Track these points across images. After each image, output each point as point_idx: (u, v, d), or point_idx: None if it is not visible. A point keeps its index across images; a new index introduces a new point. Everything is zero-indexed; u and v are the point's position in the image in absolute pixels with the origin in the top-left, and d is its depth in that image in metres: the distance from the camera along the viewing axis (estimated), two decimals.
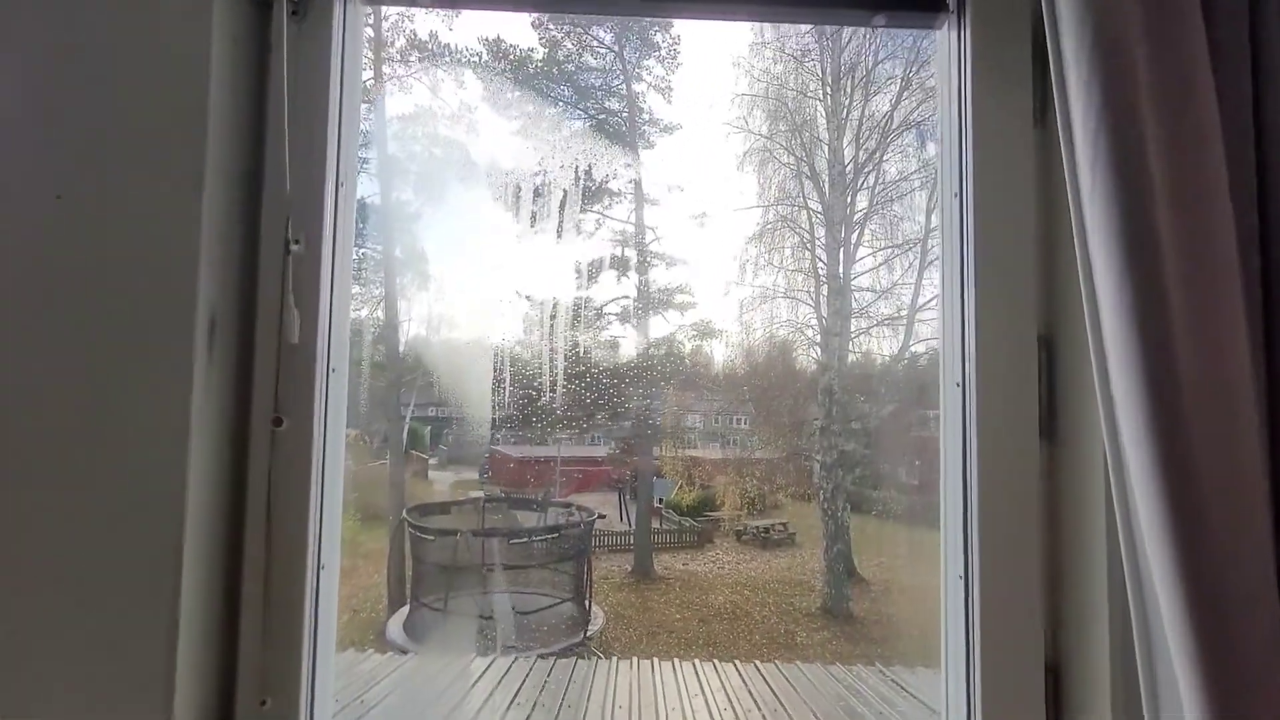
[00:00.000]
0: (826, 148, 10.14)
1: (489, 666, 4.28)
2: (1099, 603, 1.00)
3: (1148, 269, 0.79)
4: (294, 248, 1.07)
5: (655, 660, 4.32)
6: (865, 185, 10.52)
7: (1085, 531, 1.03)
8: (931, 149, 10.40)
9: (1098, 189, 0.83)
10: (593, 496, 13.23)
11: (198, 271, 0.99)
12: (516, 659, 4.42)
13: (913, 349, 10.49)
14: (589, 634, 7.69)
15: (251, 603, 1.04)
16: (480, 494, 11.56)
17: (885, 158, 10.43)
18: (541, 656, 4.89)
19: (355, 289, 9.58)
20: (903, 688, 4.18)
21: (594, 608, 8.17)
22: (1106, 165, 0.82)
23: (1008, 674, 1.07)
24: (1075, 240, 0.88)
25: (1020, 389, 1.10)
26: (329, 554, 1.12)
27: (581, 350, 11.48)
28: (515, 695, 3.79)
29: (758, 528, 12.60)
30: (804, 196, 10.56)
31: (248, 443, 1.06)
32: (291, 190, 1.08)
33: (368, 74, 9.85)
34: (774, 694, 3.94)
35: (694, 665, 4.32)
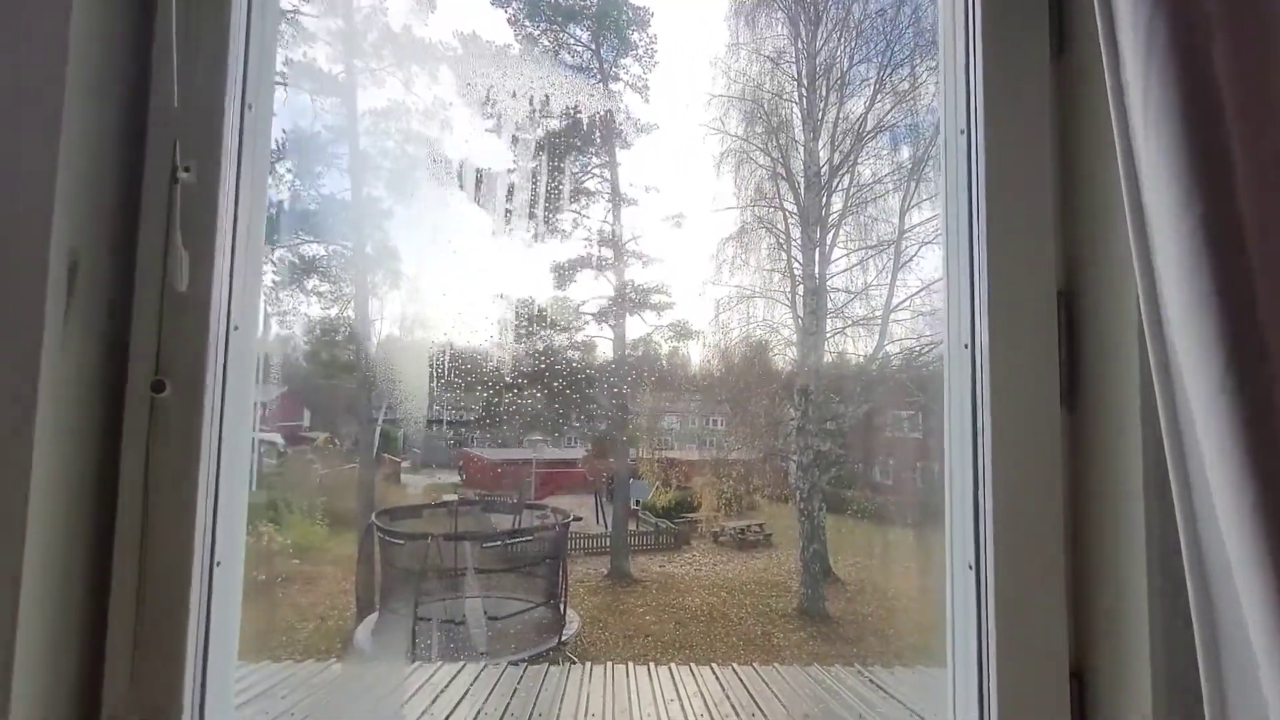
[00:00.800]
0: (802, 149, 10.11)
1: (457, 674, 4.04)
2: (1135, 597, 0.85)
3: (1220, 193, 0.64)
4: (182, 176, 0.87)
5: (630, 665, 4.12)
6: (840, 187, 10.52)
7: (1118, 514, 0.88)
8: (905, 152, 10.42)
9: (1152, 107, 0.69)
10: (569, 499, 12.99)
11: (52, 200, 0.78)
12: (486, 666, 4.19)
13: (886, 349, 10.50)
14: (564, 639, 7.47)
15: (121, 607, 0.83)
16: (454, 497, 11.27)
17: (859, 160, 10.45)
18: (512, 663, 4.66)
19: (325, 287, 9.18)
20: (881, 687, 4.05)
21: (569, 612, 7.95)
22: (1165, 80, 0.67)
23: (1026, 679, 0.91)
24: (1121, 172, 0.73)
25: (1038, 351, 0.94)
26: (228, 548, 0.92)
27: (558, 351, 11.27)
28: (483, 705, 3.56)
29: (734, 529, 12.48)
30: (780, 198, 10.52)
31: (121, 412, 0.86)
32: (181, 107, 0.88)
33: (339, 67, 9.56)
34: (752, 698, 3.77)
35: (670, 670, 4.12)
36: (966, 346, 1.00)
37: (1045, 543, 0.93)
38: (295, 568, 9.18)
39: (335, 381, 9.76)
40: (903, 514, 11.61)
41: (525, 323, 10.93)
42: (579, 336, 11.41)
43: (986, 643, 0.94)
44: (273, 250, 8.10)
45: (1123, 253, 0.90)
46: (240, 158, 0.94)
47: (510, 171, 10.30)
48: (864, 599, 10.69)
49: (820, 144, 10.31)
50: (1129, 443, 0.87)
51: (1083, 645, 0.92)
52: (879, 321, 10.18)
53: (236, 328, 0.94)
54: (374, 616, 7.71)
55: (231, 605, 0.93)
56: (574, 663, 5.66)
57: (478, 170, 9.69)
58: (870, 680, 4.22)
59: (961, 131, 1.02)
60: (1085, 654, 0.92)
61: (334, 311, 8.82)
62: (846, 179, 10.43)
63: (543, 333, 10.94)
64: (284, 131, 9.30)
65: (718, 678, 4.06)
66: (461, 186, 9.85)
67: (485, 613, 7.67)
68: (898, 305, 10.25)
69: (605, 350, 11.50)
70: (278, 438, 12.52)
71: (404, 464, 15.01)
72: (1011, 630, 0.93)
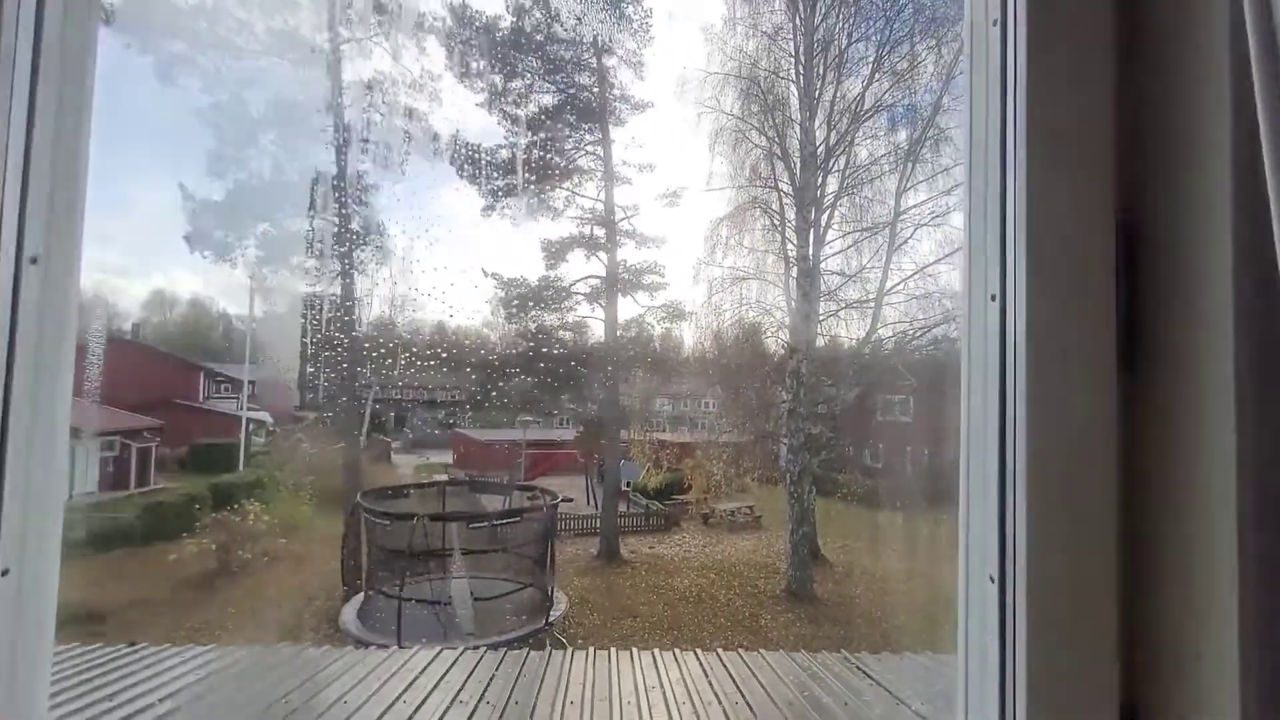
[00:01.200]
0: (799, 128, 9.80)
1: (435, 658, 3.85)
2: (1216, 619, 0.62)
3: None
4: None
5: (612, 651, 3.94)
6: (836, 167, 10.21)
7: (1194, 513, 0.65)
8: (902, 134, 10.11)
9: None
10: (559, 480, 12.84)
11: None
12: (464, 650, 4.00)
13: (879, 333, 10.29)
14: (551, 620, 7.32)
15: None
16: (443, 477, 11.09)
17: (856, 140, 10.14)
18: (492, 648, 4.47)
19: (310, 263, 8.85)
20: (868, 674, 3.88)
21: (557, 593, 7.79)
22: None
23: (1065, 715, 0.69)
24: (1253, 48, 0.49)
25: (1089, 298, 0.71)
26: (16, 552, 0.68)
27: (550, 331, 11.00)
28: (458, 692, 3.37)
29: (725, 511, 12.36)
30: (775, 178, 10.22)
31: None
32: None
33: (324, 36, 9.14)
34: (736, 685, 3.59)
35: (654, 655, 3.94)
36: (994, 298, 0.76)
37: (1094, 549, 0.71)
38: (283, 547, 9.01)
39: (324, 360, 9.51)
40: (893, 498, 11.50)
41: (516, 302, 10.66)
42: (570, 317, 11.16)
43: (1012, 673, 0.72)
44: (255, 225, 7.81)
45: (1207, 173, 0.66)
46: (42, 41, 0.69)
47: (500, 147, 9.97)
48: (852, 581, 10.60)
49: (817, 123, 9.99)
50: (1211, 419, 0.64)
51: (1136, 675, 0.70)
52: (872, 305, 9.96)
53: (34, 260, 0.70)
54: (360, 596, 7.55)
55: (23, 618, 0.70)
56: (555, 648, 5.48)
57: (468, 145, 9.35)
58: (857, 667, 4.05)
59: (995, 21, 0.78)
60: (1140, 685, 0.70)
61: (320, 288, 8.54)
62: (843, 160, 10.14)
63: (534, 312, 10.68)
64: (266, 101, 8.95)
65: (701, 664, 3.89)
66: (450, 162, 9.52)
67: (472, 593, 7.51)
68: (892, 288, 10.03)
69: (597, 331, 11.27)
70: (266, 416, 12.30)
71: (394, 444, 14.83)
72: (1047, 657, 0.70)
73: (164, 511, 8.42)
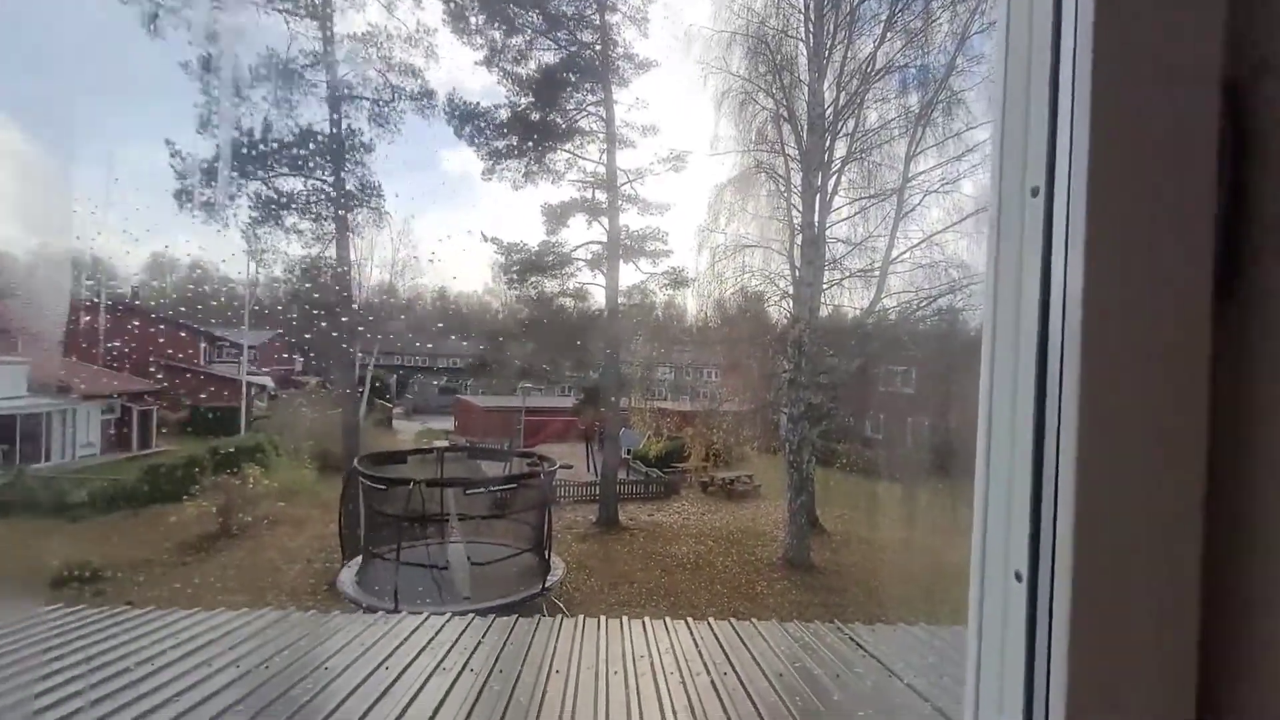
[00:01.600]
0: (807, 89, 9.34)
1: (423, 622, 3.75)
2: None
3: None
4: None
5: (602, 619, 3.82)
6: (844, 131, 9.79)
7: None
8: (914, 98, 9.65)
9: None
10: (561, 447, 12.77)
11: None
12: (451, 617, 3.89)
13: (883, 303, 9.99)
14: (548, 585, 7.27)
15: None
16: (443, 443, 11.01)
17: (866, 103, 9.69)
18: (484, 613, 4.37)
19: (305, 225, 8.55)
20: (860, 645, 3.75)
21: (555, 558, 7.74)
22: None
23: None
24: None
25: (1176, 194, 0.49)
26: None
27: (550, 298, 10.77)
28: (442, 659, 3.26)
29: (724, 479, 12.27)
30: (782, 141, 9.81)
31: None
32: None
33: None
34: (726, 655, 3.47)
35: (644, 623, 3.83)
36: (1036, 192, 0.54)
37: (1172, 534, 0.50)
38: (282, 510, 8.97)
39: (323, 326, 9.33)
40: (892, 469, 11.36)
41: (517, 268, 10.39)
42: (571, 284, 10.89)
43: (1044, 684, 0.52)
44: (246, 182, 7.53)
45: None
46: None
47: (499, 107, 9.59)
48: (849, 550, 10.54)
49: (826, 84, 9.53)
50: None
51: (1211, 688, 0.50)
52: (877, 274, 9.63)
53: None
54: (358, 560, 7.53)
55: None
56: (551, 614, 5.41)
57: (465, 104, 8.99)
58: (850, 638, 3.92)
59: None
60: (1218, 703, 0.50)
61: (315, 251, 8.30)
62: (851, 123, 9.69)
63: (535, 279, 10.42)
64: (258, 55, 8.57)
65: (692, 633, 3.78)
66: (448, 122, 9.16)
67: (469, 558, 7.47)
68: (898, 257, 9.68)
69: (598, 299, 11.01)
70: (268, 381, 12.22)
71: (396, 410, 14.77)
72: (1092, 665, 0.51)
73: (165, 474, 8.38)
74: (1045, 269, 0.52)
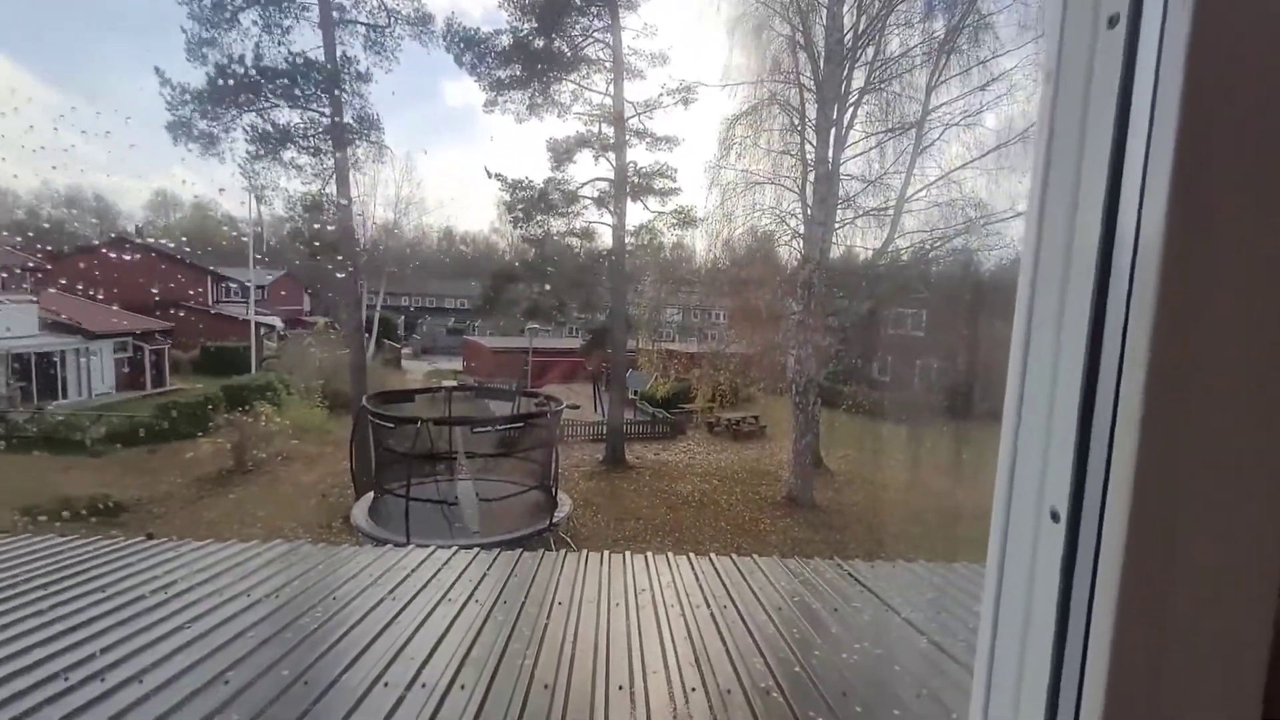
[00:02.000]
0: (826, 13, 8.73)
1: (430, 555, 3.81)
2: None
3: None
4: None
5: (605, 553, 3.86)
6: (863, 60, 9.21)
7: None
8: (939, 23, 9.01)
9: None
10: (568, 387, 12.81)
11: None
12: (457, 550, 3.95)
13: (896, 243, 9.67)
14: (555, 520, 7.41)
15: None
16: (451, 383, 11.05)
17: (887, 28, 9.06)
18: (489, 548, 4.43)
19: (304, 160, 8.24)
20: (858, 580, 3.78)
21: (562, 495, 7.87)
22: None
23: None
24: None
25: None
26: None
27: (557, 237, 10.51)
28: (448, 590, 3.31)
29: (730, 420, 12.32)
30: (798, 71, 9.25)
31: None
32: None
33: None
34: (725, 589, 3.50)
35: (646, 558, 3.87)
36: (1113, 21, 0.41)
37: (1249, 484, 0.40)
38: (295, 447, 9.12)
39: (327, 265, 9.19)
40: (898, 411, 11.32)
41: (522, 206, 10.10)
42: (578, 223, 10.61)
43: (1079, 661, 0.44)
44: (240, 114, 7.22)
45: None
46: None
47: (500, 33, 9.07)
48: (852, 489, 10.65)
49: (846, 8, 8.87)
50: None
51: None
52: (891, 213, 9.26)
53: None
54: (370, 495, 7.68)
55: None
56: (558, 548, 5.50)
57: (464, 29, 8.49)
58: (849, 574, 3.94)
59: None
60: None
61: (316, 187, 8.06)
62: (871, 50, 9.08)
63: (540, 217, 10.15)
64: None
65: (694, 567, 3.81)
66: (447, 50, 8.69)
67: (478, 494, 7.60)
68: (913, 195, 9.29)
69: (605, 238, 10.73)
70: (276, 320, 12.20)
71: (405, 350, 14.78)
72: (1139, 627, 0.42)
73: (180, 411, 8.50)
74: (1110, 202, 0.39)
